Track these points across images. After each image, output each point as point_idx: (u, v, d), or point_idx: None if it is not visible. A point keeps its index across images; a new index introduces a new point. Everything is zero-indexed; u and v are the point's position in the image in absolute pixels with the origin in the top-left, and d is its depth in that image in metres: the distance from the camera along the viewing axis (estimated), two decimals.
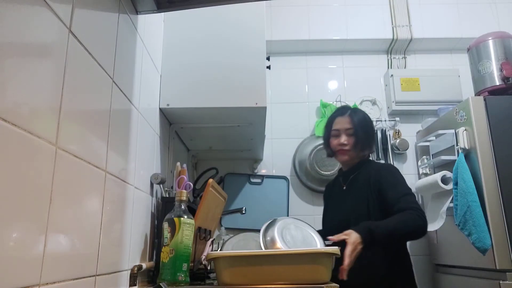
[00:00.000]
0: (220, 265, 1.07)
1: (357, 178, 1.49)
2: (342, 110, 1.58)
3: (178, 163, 1.38)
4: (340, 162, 1.58)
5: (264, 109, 1.42)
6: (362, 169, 1.49)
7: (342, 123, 1.52)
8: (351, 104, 2.28)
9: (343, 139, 1.49)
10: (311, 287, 1.04)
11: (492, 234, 1.57)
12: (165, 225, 1.09)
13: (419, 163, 2.17)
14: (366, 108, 2.32)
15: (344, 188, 1.53)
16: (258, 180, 2.20)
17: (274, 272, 1.06)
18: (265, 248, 1.15)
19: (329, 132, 1.55)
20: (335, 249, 1.08)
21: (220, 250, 1.48)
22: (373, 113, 2.30)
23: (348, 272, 1.12)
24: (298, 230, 1.24)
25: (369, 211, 1.38)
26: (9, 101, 0.53)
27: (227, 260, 1.07)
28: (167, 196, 1.39)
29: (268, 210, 2.12)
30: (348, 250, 1.13)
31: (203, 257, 1.24)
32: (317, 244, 1.19)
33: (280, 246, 1.14)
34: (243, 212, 1.90)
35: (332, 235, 1.23)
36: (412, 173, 2.22)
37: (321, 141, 2.18)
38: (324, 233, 1.33)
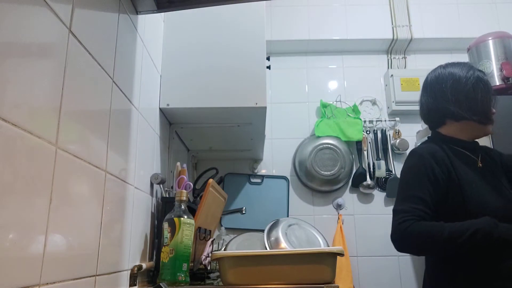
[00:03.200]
0: (225, 265, 1.08)
1: (487, 156, 1.25)
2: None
3: (178, 163, 1.38)
4: (485, 135, 1.28)
5: (264, 109, 1.42)
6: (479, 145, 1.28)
7: None
8: (351, 104, 2.29)
9: None
10: (312, 287, 1.04)
11: None
12: (165, 225, 1.09)
13: None
14: (366, 108, 2.32)
15: (481, 166, 1.21)
16: (258, 180, 2.20)
17: (278, 272, 1.07)
18: (270, 248, 1.15)
19: (490, 97, 1.25)
20: (339, 249, 1.09)
21: (224, 250, 1.49)
22: (373, 113, 2.30)
23: None
24: (302, 230, 1.25)
25: None
26: (9, 101, 0.53)
27: (232, 260, 1.08)
28: (167, 196, 1.39)
29: (268, 210, 2.12)
30: None
31: (203, 257, 1.24)
32: (321, 244, 1.19)
33: (285, 246, 1.14)
34: (243, 212, 1.90)
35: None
36: None
37: (321, 141, 2.18)
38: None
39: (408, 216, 1.09)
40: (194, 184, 1.59)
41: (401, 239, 1.10)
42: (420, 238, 1.07)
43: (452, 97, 1.21)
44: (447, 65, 1.30)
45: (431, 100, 1.26)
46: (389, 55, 2.41)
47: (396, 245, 1.12)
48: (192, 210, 1.20)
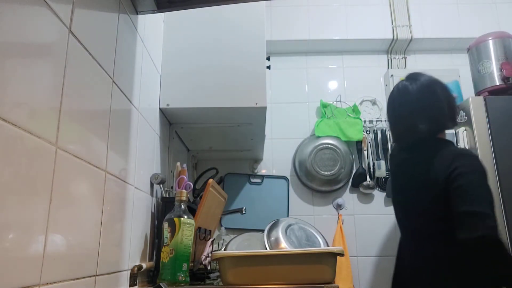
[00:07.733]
0: (225, 265, 1.08)
1: None
2: None
3: (178, 163, 1.38)
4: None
5: (264, 109, 1.42)
6: None
7: None
8: (351, 104, 2.29)
9: None
10: (312, 287, 1.04)
11: None
12: (165, 225, 1.09)
13: None
14: (366, 108, 2.32)
15: None
16: (258, 180, 2.19)
17: (278, 272, 1.07)
18: (270, 248, 1.15)
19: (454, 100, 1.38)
20: (339, 249, 1.09)
21: (224, 250, 1.49)
22: (373, 113, 2.30)
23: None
24: (302, 230, 1.25)
25: None
26: (9, 101, 0.53)
27: (232, 260, 1.08)
28: (167, 196, 1.39)
29: (268, 210, 2.12)
30: None
31: (203, 257, 1.24)
32: (321, 244, 1.19)
33: (285, 246, 1.14)
34: (243, 212, 1.90)
35: None
36: None
37: (321, 141, 2.18)
38: None
39: (496, 225, 1.12)
40: (194, 184, 1.59)
41: (496, 244, 1.10)
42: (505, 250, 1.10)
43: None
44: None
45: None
46: (389, 55, 2.40)
47: (487, 245, 1.10)
48: (192, 210, 1.20)
